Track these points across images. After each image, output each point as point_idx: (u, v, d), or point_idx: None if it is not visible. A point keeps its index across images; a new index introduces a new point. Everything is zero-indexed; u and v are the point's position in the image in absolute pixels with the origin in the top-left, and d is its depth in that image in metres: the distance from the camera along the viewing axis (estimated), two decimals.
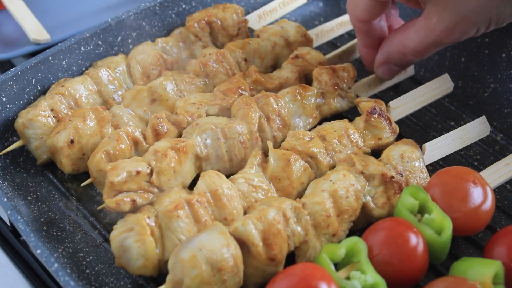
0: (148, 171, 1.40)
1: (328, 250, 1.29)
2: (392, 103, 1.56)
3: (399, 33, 1.49)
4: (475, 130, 1.53)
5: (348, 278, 1.28)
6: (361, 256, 1.28)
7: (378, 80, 1.64)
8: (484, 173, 1.44)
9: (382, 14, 1.52)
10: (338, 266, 1.32)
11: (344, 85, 1.60)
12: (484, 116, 1.55)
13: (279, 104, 1.53)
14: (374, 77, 1.63)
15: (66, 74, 1.64)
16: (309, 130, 1.56)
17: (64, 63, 1.63)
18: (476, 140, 1.53)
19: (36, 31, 1.83)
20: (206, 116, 1.53)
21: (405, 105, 1.57)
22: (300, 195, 1.43)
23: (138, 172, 1.39)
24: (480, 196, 1.36)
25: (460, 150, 1.60)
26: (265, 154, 1.48)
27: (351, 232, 1.43)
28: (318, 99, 1.58)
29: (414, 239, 1.30)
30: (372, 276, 1.26)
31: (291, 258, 1.38)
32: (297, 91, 1.56)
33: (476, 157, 1.60)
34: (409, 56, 1.49)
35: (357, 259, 1.29)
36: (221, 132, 1.47)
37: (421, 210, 1.38)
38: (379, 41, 1.55)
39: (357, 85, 1.61)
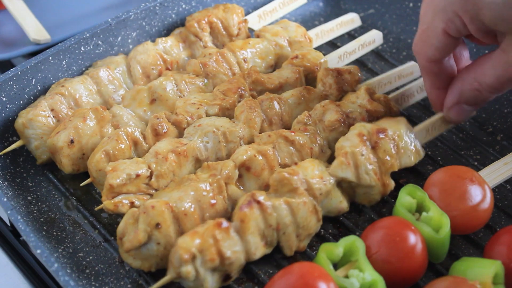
0: (148, 174, 1.41)
1: (326, 249, 1.29)
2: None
3: (472, 70, 1.38)
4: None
5: (346, 276, 1.28)
6: (359, 255, 1.28)
7: (438, 123, 1.55)
8: (483, 172, 1.44)
9: (453, 51, 1.41)
10: (337, 266, 1.32)
11: (349, 88, 1.60)
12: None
13: (283, 107, 1.53)
14: (432, 122, 1.54)
15: (66, 74, 1.64)
16: None
17: (64, 63, 1.63)
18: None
19: (36, 31, 1.83)
20: (206, 116, 1.53)
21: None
22: None
23: (137, 175, 1.40)
24: (479, 194, 1.36)
25: (460, 150, 1.60)
26: None
27: (351, 231, 1.44)
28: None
29: (412, 237, 1.30)
30: (370, 274, 1.26)
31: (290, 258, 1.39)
32: (301, 93, 1.56)
33: (476, 157, 1.60)
34: (484, 93, 1.37)
35: (355, 258, 1.29)
36: (222, 135, 1.47)
37: (419, 209, 1.38)
38: (449, 81, 1.45)
39: (415, 131, 1.52)
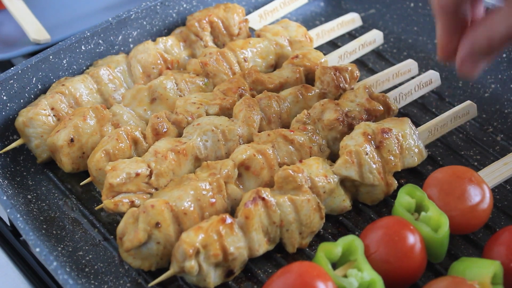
0: (148, 172, 1.41)
1: (324, 249, 1.29)
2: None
3: (484, 20, 1.38)
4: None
5: (345, 276, 1.28)
6: (358, 254, 1.29)
7: (440, 125, 1.56)
8: (482, 173, 1.44)
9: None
10: (336, 265, 1.32)
11: (347, 85, 1.60)
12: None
13: (281, 106, 1.54)
14: (435, 123, 1.55)
15: (66, 73, 1.64)
16: None
17: (64, 62, 1.63)
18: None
19: (36, 31, 1.83)
20: (206, 115, 1.53)
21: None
22: None
23: (137, 174, 1.40)
24: (478, 194, 1.36)
25: (460, 150, 1.60)
26: None
27: (350, 231, 1.44)
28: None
29: (410, 237, 1.30)
30: (368, 273, 1.26)
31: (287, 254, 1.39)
32: (299, 91, 1.56)
33: (476, 157, 1.60)
34: (496, 41, 1.37)
35: (354, 257, 1.29)
36: (221, 134, 1.47)
37: (418, 209, 1.38)
38: (462, 29, 1.43)
39: (419, 131, 1.52)
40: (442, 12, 1.41)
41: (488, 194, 1.37)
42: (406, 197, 1.37)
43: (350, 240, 1.30)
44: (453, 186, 1.37)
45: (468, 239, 1.43)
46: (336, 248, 1.30)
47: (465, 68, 1.41)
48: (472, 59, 1.40)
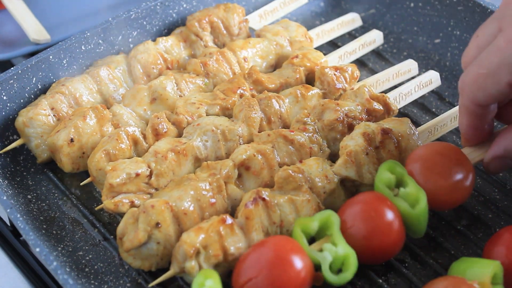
0: (148, 173, 1.41)
1: (301, 224, 1.31)
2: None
3: None
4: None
5: (320, 250, 1.30)
6: (333, 229, 1.30)
7: (440, 125, 1.56)
8: (466, 150, 1.44)
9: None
10: (314, 240, 1.34)
11: (347, 86, 1.60)
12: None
13: (281, 105, 1.54)
14: (435, 123, 1.55)
15: (66, 73, 1.64)
16: None
17: (64, 62, 1.63)
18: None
19: (36, 31, 1.83)
20: (206, 115, 1.53)
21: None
22: None
23: (137, 174, 1.40)
24: (459, 171, 1.36)
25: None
26: None
27: None
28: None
29: (387, 212, 1.31)
30: (343, 247, 1.28)
31: None
32: (298, 91, 1.56)
33: None
34: None
35: (330, 232, 1.31)
36: (221, 134, 1.47)
37: (398, 185, 1.39)
38: (488, 122, 1.37)
39: (419, 132, 1.51)
40: (470, 112, 1.34)
41: (470, 172, 1.37)
42: (386, 173, 1.37)
43: (326, 215, 1.32)
44: (435, 163, 1.37)
45: (469, 240, 1.43)
46: (312, 222, 1.32)
47: (492, 167, 1.39)
48: (502, 163, 1.37)
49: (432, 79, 1.67)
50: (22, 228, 1.33)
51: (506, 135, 1.36)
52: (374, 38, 1.79)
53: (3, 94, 1.55)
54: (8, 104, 1.56)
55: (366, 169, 1.42)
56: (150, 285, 1.33)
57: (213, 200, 1.37)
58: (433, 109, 1.70)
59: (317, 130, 1.49)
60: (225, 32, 1.75)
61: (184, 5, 1.79)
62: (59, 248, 1.41)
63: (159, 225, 1.31)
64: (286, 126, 1.54)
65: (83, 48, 1.65)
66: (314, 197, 1.38)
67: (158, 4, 1.74)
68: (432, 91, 1.72)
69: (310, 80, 1.66)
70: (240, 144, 1.48)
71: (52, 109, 1.54)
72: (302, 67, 1.64)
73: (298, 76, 1.63)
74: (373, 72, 1.79)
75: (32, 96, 1.60)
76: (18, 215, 1.34)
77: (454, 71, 1.78)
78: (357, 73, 1.63)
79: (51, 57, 1.61)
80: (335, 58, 1.72)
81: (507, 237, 1.32)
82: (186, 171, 1.45)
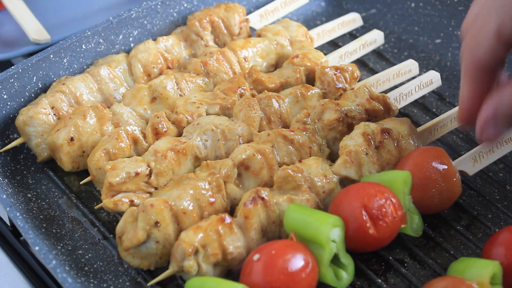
0: (147, 172, 1.41)
1: None
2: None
3: (511, 84, 1.31)
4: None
5: None
6: None
7: (441, 125, 1.56)
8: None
9: (502, 63, 1.32)
10: None
11: (347, 85, 1.60)
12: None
13: (281, 105, 1.54)
14: (435, 123, 1.55)
15: (67, 72, 1.64)
16: None
17: (65, 61, 1.64)
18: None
19: (36, 31, 1.83)
20: (206, 115, 1.53)
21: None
22: None
23: (137, 173, 1.40)
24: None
25: (460, 150, 1.60)
26: None
27: None
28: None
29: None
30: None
31: None
32: (298, 91, 1.56)
33: None
34: None
35: None
36: (221, 134, 1.47)
37: None
38: (486, 94, 1.34)
39: (419, 132, 1.52)
40: (469, 74, 1.33)
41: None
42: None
43: None
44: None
45: (468, 240, 1.43)
46: None
47: (486, 133, 1.35)
48: (495, 123, 1.33)
49: (432, 79, 1.67)
50: (21, 226, 1.33)
51: (494, 96, 1.32)
52: (375, 38, 1.79)
53: (4, 92, 1.55)
54: (9, 103, 1.57)
55: (365, 169, 1.42)
56: (149, 283, 1.33)
57: (212, 199, 1.37)
58: (434, 109, 1.70)
59: (317, 130, 1.49)
60: (225, 31, 1.75)
61: (185, 5, 1.79)
62: (59, 247, 1.41)
63: (158, 224, 1.31)
64: (286, 125, 1.54)
65: (83, 47, 1.65)
66: (313, 196, 1.38)
67: (159, 3, 1.75)
68: (433, 91, 1.72)
69: (310, 80, 1.66)
70: (240, 144, 1.48)
71: (52, 108, 1.54)
72: (302, 67, 1.64)
73: (298, 76, 1.63)
74: (374, 72, 1.79)
75: (33, 95, 1.60)
76: (18, 214, 1.35)
77: (454, 71, 1.78)
78: (357, 73, 1.62)
79: (51, 56, 1.61)
80: (335, 58, 1.72)
81: (506, 237, 1.32)
82: (185, 170, 1.45)
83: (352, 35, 1.90)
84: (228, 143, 1.48)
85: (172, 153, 1.43)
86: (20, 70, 1.57)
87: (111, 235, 1.44)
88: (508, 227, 1.34)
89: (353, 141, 1.44)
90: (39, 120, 1.52)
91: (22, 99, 1.58)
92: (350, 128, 1.50)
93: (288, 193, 1.38)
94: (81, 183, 1.50)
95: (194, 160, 1.46)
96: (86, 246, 1.42)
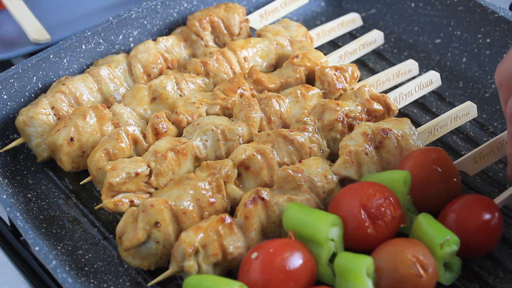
0: (147, 172, 1.42)
1: None
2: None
3: None
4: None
5: None
6: None
7: (440, 125, 1.55)
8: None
9: None
10: None
11: (347, 85, 1.60)
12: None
13: (281, 105, 1.54)
14: (435, 124, 1.54)
15: (67, 72, 1.64)
16: None
17: (65, 61, 1.64)
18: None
19: (36, 31, 1.83)
20: (206, 115, 1.53)
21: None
22: None
23: (137, 174, 1.40)
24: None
25: (460, 150, 1.60)
26: None
27: None
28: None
29: None
30: None
31: None
32: (298, 91, 1.56)
33: None
34: None
35: None
36: (221, 134, 1.47)
37: None
38: None
39: (418, 132, 1.51)
40: None
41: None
42: None
43: None
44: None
45: None
46: None
47: None
48: None
49: (432, 79, 1.67)
50: (21, 226, 1.33)
51: None
52: (375, 38, 1.79)
53: (4, 93, 1.55)
54: (9, 103, 1.57)
55: (365, 169, 1.42)
56: (149, 284, 1.33)
57: (212, 200, 1.37)
58: (434, 109, 1.70)
59: (317, 130, 1.49)
60: (225, 31, 1.75)
61: (185, 5, 1.79)
62: (59, 247, 1.41)
63: (158, 224, 1.31)
64: (286, 126, 1.54)
65: (83, 47, 1.65)
66: (314, 196, 1.38)
67: (159, 3, 1.75)
68: (433, 91, 1.72)
69: (310, 80, 1.66)
70: (240, 144, 1.48)
71: (52, 108, 1.54)
72: (302, 67, 1.64)
73: (298, 76, 1.63)
74: (374, 72, 1.79)
75: (33, 95, 1.60)
76: (18, 214, 1.35)
77: (454, 72, 1.78)
78: (357, 73, 1.63)
79: (51, 56, 1.61)
80: (335, 58, 1.72)
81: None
82: (185, 171, 1.45)
83: (352, 35, 1.90)
84: (228, 143, 1.48)
85: (172, 153, 1.43)
86: (20, 70, 1.57)
87: (111, 235, 1.44)
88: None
89: (353, 141, 1.44)
90: (39, 120, 1.52)
91: (22, 99, 1.58)
92: (350, 128, 1.50)
93: (288, 193, 1.38)
94: (81, 183, 1.50)
95: (194, 160, 1.46)
96: (86, 246, 1.42)
